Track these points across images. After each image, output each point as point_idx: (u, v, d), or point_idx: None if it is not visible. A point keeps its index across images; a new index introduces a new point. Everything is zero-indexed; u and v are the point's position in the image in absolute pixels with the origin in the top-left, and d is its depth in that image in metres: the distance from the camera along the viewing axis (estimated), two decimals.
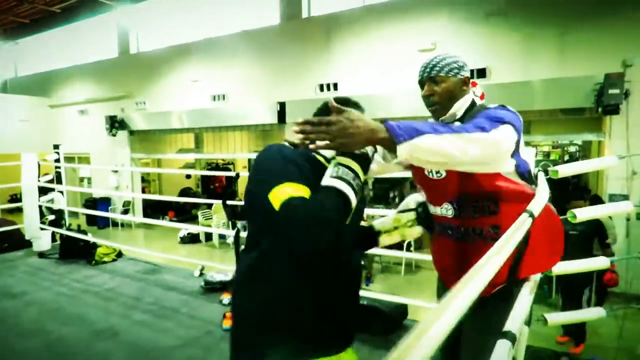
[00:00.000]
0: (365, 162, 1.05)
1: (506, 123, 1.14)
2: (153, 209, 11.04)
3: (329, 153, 1.09)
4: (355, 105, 1.19)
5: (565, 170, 2.21)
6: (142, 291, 4.15)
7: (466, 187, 1.35)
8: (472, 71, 6.22)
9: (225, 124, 8.78)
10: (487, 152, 1.08)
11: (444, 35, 6.56)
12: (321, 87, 7.61)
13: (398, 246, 6.85)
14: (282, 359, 0.99)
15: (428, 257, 3.58)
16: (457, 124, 1.31)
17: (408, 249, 6.72)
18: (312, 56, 7.82)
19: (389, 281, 6.44)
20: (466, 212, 1.37)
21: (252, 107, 8.24)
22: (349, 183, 0.96)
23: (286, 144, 1.13)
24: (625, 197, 5.18)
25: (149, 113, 10.04)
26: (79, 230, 5.79)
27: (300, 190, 0.95)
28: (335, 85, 7.49)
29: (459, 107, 1.38)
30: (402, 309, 3.27)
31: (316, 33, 7.78)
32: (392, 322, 3.16)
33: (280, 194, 0.94)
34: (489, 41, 6.23)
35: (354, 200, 0.96)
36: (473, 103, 1.40)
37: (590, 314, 2.40)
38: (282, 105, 7.64)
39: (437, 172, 1.41)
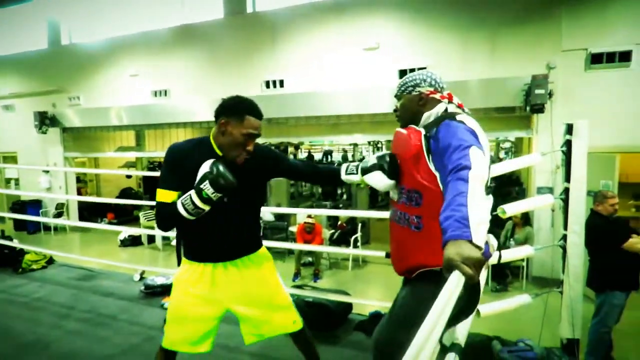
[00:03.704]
0: (208, 203, 1.59)
1: (470, 145, 1.26)
2: (90, 211, 10.43)
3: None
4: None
5: (497, 170, 2.37)
6: (76, 299, 3.91)
7: (404, 178, 1.55)
8: (413, 69, 6.43)
9: (168, 121, 8.45)
10: (485, 173, 1.24)
11: (387, 34, 6.73)
12: (267, 84, 7.54)
13: (345, 242, 6.99)
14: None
15: (373, 253, 3.67)
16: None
17: (355, 245, 6.86)
18: (257, 52, 7.72)
19: (337, 277, 6.52)
20: (402, 199, 1.55)
21: (196, 103, 8.00)
22: (185, 208, 1.59)
23: (178, 142, 1.78)
24: (551, 190, 5.62)
25: (84, 109, 9.45)
26: (4, 236, 5.34)
27: (164, 197, 1.66)
28: (282, 82, 7.46)
29: (426, 118, 1.57)
30: (347, 304, 3.33)
31: (262, 29, 7.69)
32: (337, 318, 3.21)
33: (157, 195, 1.67)
34: (428, 41, 6.47)
35: (184, 214, 1.60)
36: (445, 112, 1.56)
37: (518, 301, 2.58)
38: None
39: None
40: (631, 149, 5.39)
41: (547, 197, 2.61)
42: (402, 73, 6.55)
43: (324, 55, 7.17)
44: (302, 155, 13.34)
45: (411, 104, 1.60)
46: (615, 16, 5.43)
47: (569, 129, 2.50)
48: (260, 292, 1.87)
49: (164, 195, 1.65)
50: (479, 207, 1.07)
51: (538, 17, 5.81)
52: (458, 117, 1.45)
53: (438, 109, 1.56)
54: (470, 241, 0.99)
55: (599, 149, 5.12)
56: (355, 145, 13.04)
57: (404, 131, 1.58)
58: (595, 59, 5.46)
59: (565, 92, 5.57)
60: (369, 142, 13.09)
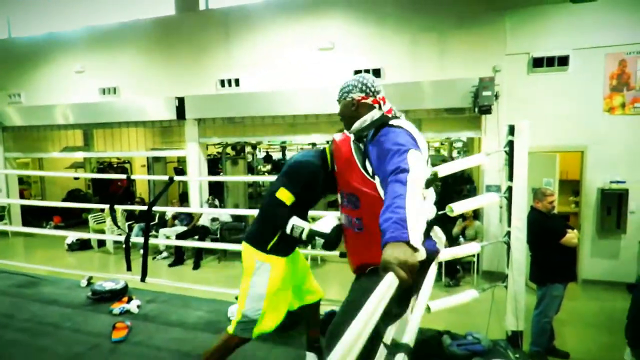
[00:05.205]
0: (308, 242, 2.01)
1: (409, 149, 1.32)
2: (34, 214, 9.82)
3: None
4: None
5: (444, 170, 2.43)
6: (16, 307, 3.67)
7: (343, 183, 1.64)
8: (367, 70, 6.54)
9: (118, 120, 8.10)
10: (423, 176, 1.28)
11: (341, 35, 6.79)
12: (222, 83, 7.40)
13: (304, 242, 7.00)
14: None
15: (329, 252, 3.67)
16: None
17: (313, 245, 6.87)
18: (211, 50, 7.57)
19: None
20: (344, 202, 1.65)
21: (148, 102, 7.72)
22: (292, 230, 1.94)
23: (310, 152, 2.02)
24: (499, 188, 5.89)
25: (26, 107, 8.89)
26: None
27: (286, 198, 1.94)
28: (237, 81, 7.34)
29: (361, 123, 1.66)
30: None
31: (216, 26, 7.54)
32: (294, 317, 3.19)
33: (280, 193, 1.94)
34: (381, 43, 6.59)
35: (287, 231, 1.95)
36: (380, 117, 1.64)
37: (466, 296, 2.67)
38: (181, 101, 7.27)
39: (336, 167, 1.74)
40: (570, 148, 5.75)
41: (492, 195, 2.73)
42: (357, 73, 6.62)
43: (280, 54, 7.13)
44: (260, 155, 13.22)
45: (346, 109, 1.71)
46: (554, 23, 5.77)
47: (511, 130, 2.62)
48: (304, 271, 2.35)
49: (286, 197, 1.94)
50: (416, 209, 1.12)
51: (484, 22, 6.07)
52: (394, 122, 1.52)
53: (373, 114, 1.63)
54: (408, 242, 1.04)
55: (540, 149, 5.44)
56: (314, 144, 13.06)
57: (336, 138, 1.71)
58: (537, 63, 5.78)
59: (510, 94, 5.86)
60: (327, 142, 13.16)
